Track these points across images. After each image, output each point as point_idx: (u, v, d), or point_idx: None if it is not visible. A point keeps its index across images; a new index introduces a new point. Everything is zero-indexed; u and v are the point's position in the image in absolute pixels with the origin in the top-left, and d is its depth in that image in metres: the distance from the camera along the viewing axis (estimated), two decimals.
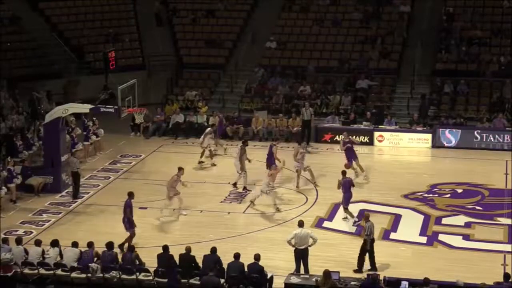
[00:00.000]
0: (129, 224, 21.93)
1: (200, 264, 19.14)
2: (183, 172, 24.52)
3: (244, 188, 26.71)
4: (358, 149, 31.98)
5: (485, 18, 38.88)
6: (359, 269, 20.25)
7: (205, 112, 34.48)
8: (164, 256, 19.25)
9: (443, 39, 38.07)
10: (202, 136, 29.73)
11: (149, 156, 31.09)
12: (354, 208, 24.91)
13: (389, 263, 20.82)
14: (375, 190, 26.80)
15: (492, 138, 31.86)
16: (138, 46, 40.55)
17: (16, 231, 23.12)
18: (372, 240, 20.44)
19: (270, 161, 26.79)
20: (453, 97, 35.41)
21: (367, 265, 20.45)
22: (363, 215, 21.39)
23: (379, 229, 23.31)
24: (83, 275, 19.23)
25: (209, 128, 30.26)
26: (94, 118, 30.88)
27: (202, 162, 29.58)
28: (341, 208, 24.38)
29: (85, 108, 27.37)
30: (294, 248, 19.90)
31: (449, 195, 26.50)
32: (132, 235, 21.82)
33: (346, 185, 23.71)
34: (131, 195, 22.30)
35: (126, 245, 21.24)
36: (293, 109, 34.51)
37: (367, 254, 20.42)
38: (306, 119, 32.54)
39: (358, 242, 22.45)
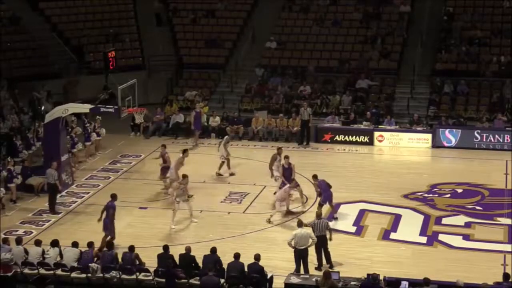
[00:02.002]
0: (111, 226, 21.76)
1: (200, 264, 19.14)
2: (187, 180, 24.06)
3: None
4: (358, 149, 32.17)
5: (485, 18, 38.86)
6: (318, 266, 20.28)
7: (205, 112, 34.48)
8: (164, 256, 19.27)
9: (443, 39, 38.07)
10: (219, 146, 28.84)
11: (149, 156, 31.08)
12: (354, 208, 24.99)
13: (389, 263, 20.83)
14: (375, 190, 26.79)
15: (492, 138, 31.83)
16: (138, 46, 40.56)
17: (16, 231, 23.13)
18: (317, 238, 20.23)
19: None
20: (453, 97, 35.41)
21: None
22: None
23: (379, 229, 23.37)
24: (83, 275, 19.25)
25: (226, 137, 29.67)
26: (99, 117, 30.81)
27: (221, 175, 28.41)
28: (340, 208, 24.56)
29: (85, 108, 27.36)
30: (294, 248, 19.92)
31: (449, 195, 26.49)
32: (113, 237, 21.67)
33: (322, 186, 24.05)
34: (114, 197, 22.19)
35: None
36: (293, 109, 34.51)
37: (323, 251, 20.44)
38: (305, 119, 32.51)
39: (358, 242, 22.56)
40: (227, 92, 37.40)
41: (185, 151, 26.59)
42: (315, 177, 24.52)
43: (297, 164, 28.76)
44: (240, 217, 24.78)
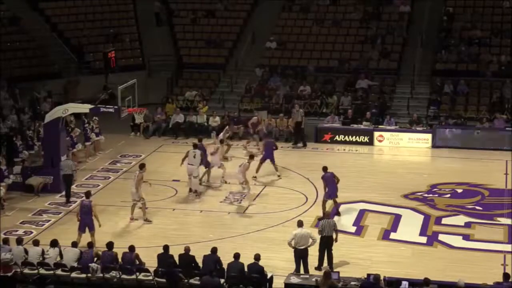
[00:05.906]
0: None
1: (200, 264, 19.13)
2: (145, 169, 24.14)
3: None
4: (358, 149, 32.15)
5: (485, 18, 38.87)
6: (318, 266, 20.23)
7: (205, 112, 34.51)
8: (164, 256, 19.27)
9: (443, 39, 38.07)
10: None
11: (149, 156, 31.06)
12: (355, 208, 24.99)
13: (389, 263, 20.83)
14: (375, 190, 26.78)
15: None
16: (138, 46, 40.57)
17: (16, 231, 23.10)
18: (324, 238, 20.24)
19: None
20: (453, 97, 35.42)
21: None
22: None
23: (379, 229, 23.36)
24: (83, 275, 19.24)
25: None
26: (96, 118, 30.76)
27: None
28: (340, 208, 24.60)
29: (85, 108, 27.37)
30: (294, 248, 19.92)
31: (449, 195, 26.49)
32: None
33: (330, 179, 23.88)
34: None
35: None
36: (293, 109, 34.50)
37: (326, 253, 20.36)
38: (297, 120, 32.35)
39: (358, 242, 22.56)
40: (227, 92, 37.40)
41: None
42: (324, 169, 24.23)
43: (297, 164, 28.91)
44: (240, 217, 24.78)
